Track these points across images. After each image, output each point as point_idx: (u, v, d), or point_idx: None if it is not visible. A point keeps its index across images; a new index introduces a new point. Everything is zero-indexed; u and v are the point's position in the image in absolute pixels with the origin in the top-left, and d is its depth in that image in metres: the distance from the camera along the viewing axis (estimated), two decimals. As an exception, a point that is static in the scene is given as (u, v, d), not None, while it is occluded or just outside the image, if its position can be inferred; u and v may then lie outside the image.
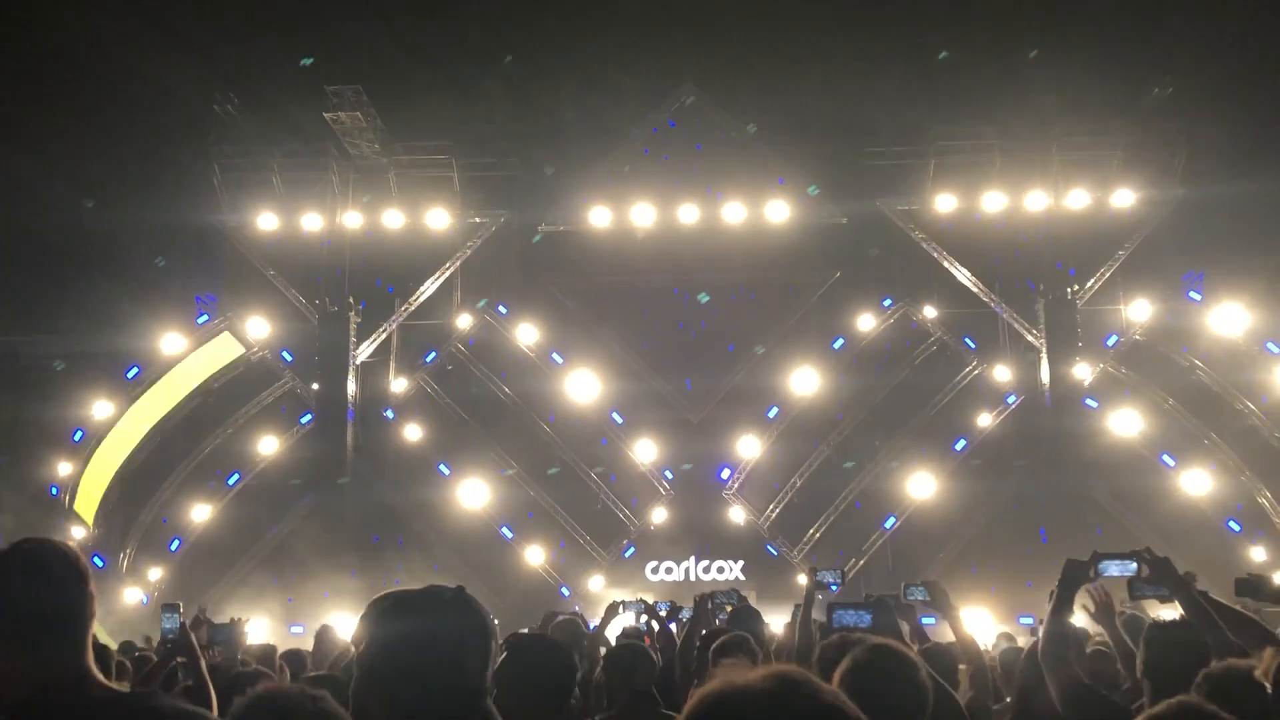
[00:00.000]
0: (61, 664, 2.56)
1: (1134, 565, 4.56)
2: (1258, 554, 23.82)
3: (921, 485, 25.72)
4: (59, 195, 26.81)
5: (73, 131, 26.29)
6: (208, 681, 4.64)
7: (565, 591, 25.59)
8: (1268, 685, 3.67)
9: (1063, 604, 4.50)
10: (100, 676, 2.65)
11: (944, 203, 26.60)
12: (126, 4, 25.68)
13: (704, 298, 27.50)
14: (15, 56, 26.23)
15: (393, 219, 27.28)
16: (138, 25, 25.33)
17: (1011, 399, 26.68)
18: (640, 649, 5.93)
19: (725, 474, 26.50)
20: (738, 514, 26.18)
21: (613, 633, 9.23)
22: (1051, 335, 26.18)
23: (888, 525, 25.90)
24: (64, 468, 25.64)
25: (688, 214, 26.85)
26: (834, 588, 7.30)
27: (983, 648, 6.78)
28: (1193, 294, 26.42)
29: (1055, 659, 4.33)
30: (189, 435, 27.11)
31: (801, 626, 6.62)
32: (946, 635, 6.72)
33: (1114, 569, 4.56)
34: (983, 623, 16.98)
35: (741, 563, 25.53)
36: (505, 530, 26.17)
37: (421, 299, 27.67)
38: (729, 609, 8.27)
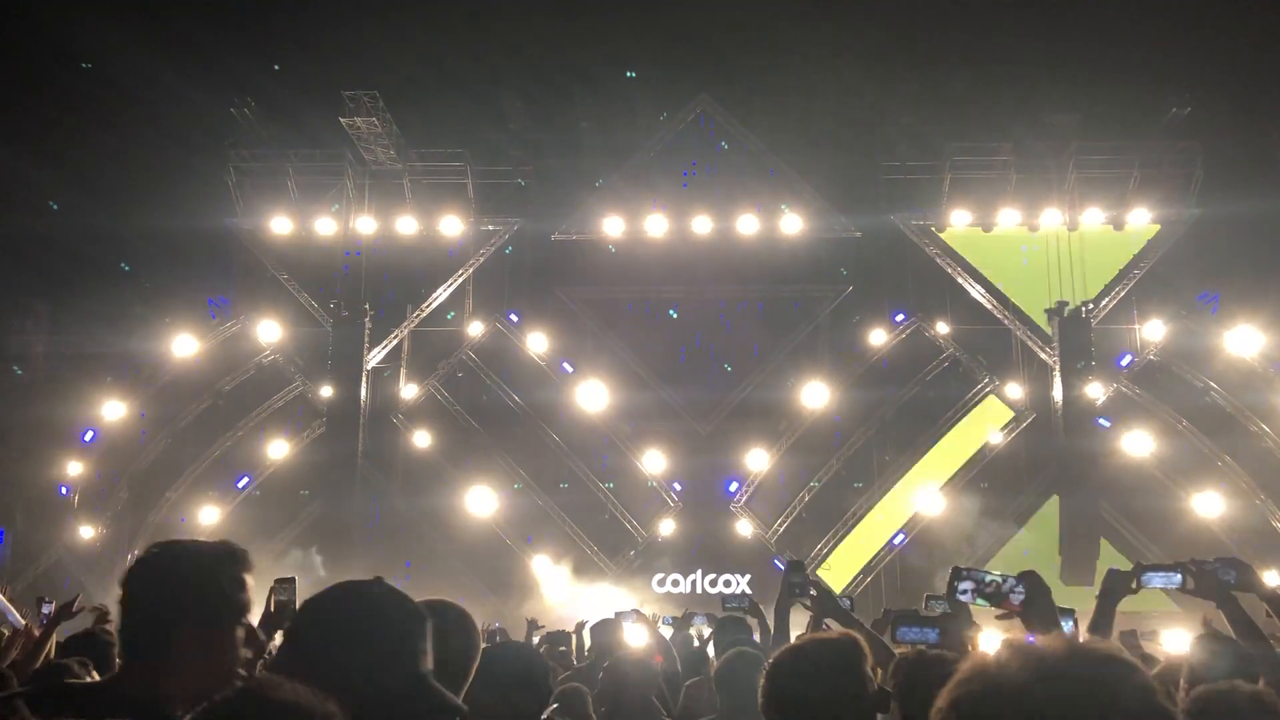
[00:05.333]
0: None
1: (1179, 577, 4.43)
2: (1270, 579, 23.58)
3: (931, 501, 25.58)
4: (74, 198, 26.89)
5: (89, 135, 26.39)
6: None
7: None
8: None
9: (1103, 617, 4.38)
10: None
11: (959, 218, 26.54)
12: (144, 9, 25.81)
13: (689, 297, 27.51)
14: (33, 62, 26.36)
15: (406, 225, 27.28)
16: (156, 30, 25.48)
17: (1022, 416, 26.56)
18: (643, 660, 6.08)
19: (733, 486, 26.38)
20: (745, 527, 26.04)
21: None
22: (1065, 353, 26.04)
23: (896, 541, 25.77)
24: (74, 467, 25.63)
25: (701, 225, 26.81)
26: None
27: None
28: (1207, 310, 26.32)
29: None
30: (199, 438, 27.04)
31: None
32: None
33: (1158, 580, 4.44)
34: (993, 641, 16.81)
35: (749, 576, 25.37)
36: (508, 538, 26.07)
37: (434, 305, 27.64)
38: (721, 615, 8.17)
